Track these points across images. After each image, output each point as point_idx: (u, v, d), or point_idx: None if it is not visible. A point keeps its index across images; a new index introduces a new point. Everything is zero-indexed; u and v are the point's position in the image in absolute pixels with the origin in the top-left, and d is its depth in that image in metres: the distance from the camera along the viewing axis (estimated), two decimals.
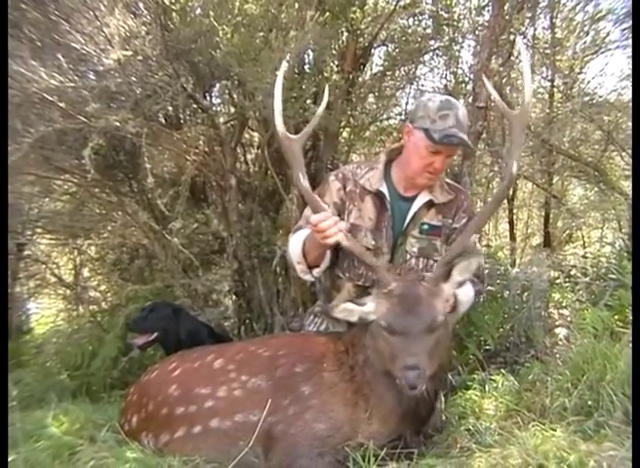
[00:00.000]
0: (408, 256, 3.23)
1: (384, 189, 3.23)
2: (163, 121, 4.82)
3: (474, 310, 3.89)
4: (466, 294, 3.02)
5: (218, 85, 4.72)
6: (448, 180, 3.44)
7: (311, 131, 2.91)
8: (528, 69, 2.63)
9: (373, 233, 3.20)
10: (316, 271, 3.21)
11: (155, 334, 4.06)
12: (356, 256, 2.81)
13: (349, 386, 2.70)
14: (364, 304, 2.68)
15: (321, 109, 2.88)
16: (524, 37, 5.51)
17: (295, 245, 3.16)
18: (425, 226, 3.23)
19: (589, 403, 2.61)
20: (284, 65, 2.91)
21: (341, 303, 2.75)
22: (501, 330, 4.01)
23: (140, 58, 4.02)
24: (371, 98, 5.79)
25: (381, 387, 2.62)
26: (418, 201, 3.23)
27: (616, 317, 3.45)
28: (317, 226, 2.70)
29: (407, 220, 3.23)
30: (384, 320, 2.54)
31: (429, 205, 3.23)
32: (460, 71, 5.61)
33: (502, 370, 3.43)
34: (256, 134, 5.45)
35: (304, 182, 2.78)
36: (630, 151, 4.69)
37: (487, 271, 3.50)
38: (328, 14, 4.60)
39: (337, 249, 3.23)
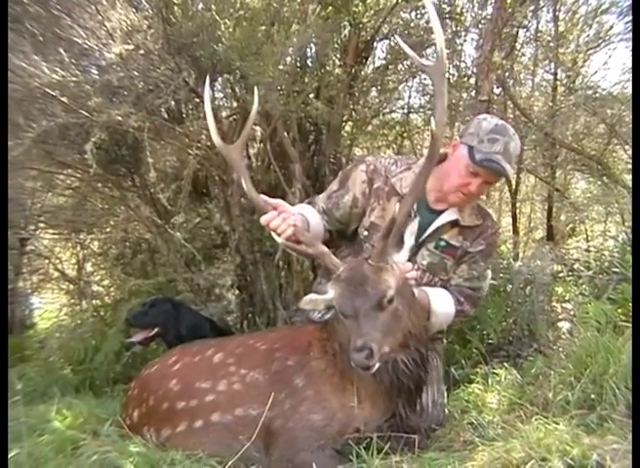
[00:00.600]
0: (415, 267, 3.00)
1: None
2: (165, 115, 4.80)
3: None
4: (442, 306, 3.04)
5: (220, 79, 4.70)
6: (481, 205, 3.33)
7: (247, 136, 2.93)
8: (435, 18, 2.50)
9: None
10: None
11: (156, 330, 4.04)
12: (304, 246, 2.72)
13: (336, 371, 2.71)
14: (326, 292, 2.65)
15: (253, 112, 2.92)
16: (527, 30, 5.51)
17: None
18: (443, 243, 3.14)
19: (592, 396, 2.62)
20: (208, 80, 2.94)
21: (306, 296, 2.76)
22: (504, 323, 4.02)
23: (141, 52, 4.00)
24: (373, 92, 5.79)
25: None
26: (443, 217, 3.12)
27: (619, 310, 3.46)
28: (268, 226, 2.73)
29: (427, 232, 3.12)
30: (336, 304, 2.54)
31: (454, 224, 3.14)
32: (462, 65, 5.60)
33: (505, 364, 3.44)
34: (258, 128, 5.44)
35: (248, 187, 2.79)
36: None
37: (484, 293, 3.38)
38: (330, 7, 4.59)
39: (340, 234, 3.23)
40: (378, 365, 2.37)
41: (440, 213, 3.13)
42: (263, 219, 2.74)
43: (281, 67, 4.20)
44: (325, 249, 2.71)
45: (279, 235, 2.70)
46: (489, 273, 3.28)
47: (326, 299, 2.63)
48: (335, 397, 2.66)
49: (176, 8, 4.20)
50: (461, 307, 3.13)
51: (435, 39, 2.54)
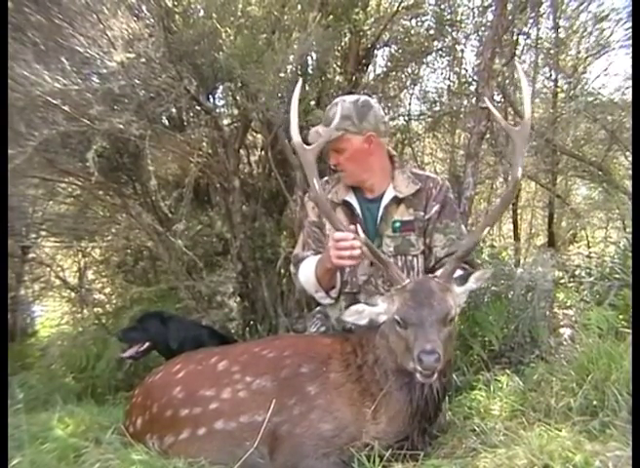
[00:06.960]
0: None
1: (350, 198, 3.33)
2: (166, 123, 4.83)
3: (478, 310, 3.89)
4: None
5: (221, 87, 4.72)
6: (415, 170, 3.49)
7: (325, 141, 2.95)
8: (527, 87, 2.65)
9: None
10: (333, 292, 3.28)
11: (147, 344, 4.04)
12: (371, 256, 2.77)
13: (356, 387, 2.69)
14: (375, 305, 2.68)
15: (334, 124, 2.95)
16: (527, 37, 5.52)
17: (308, 276, 3.22)
18: (397, 224, 3.26)
19: (594, 402, 2.61)
20: (300, 82, 2.97)
21: (352, 306, 2.75)
22: (506, 330, 4.00)
23: (143, 60, 4.02)
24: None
25: (391, 386, 2.62)
26: (384, 200, 3.28)
27: (620, 316, 3.44)
28: (338, 244, 2.76)
29: (378, 221, 3.29)
30: (398, 314, 2.53)
31: (397, 201, 3.27)
32: (463, 72, 5.61)
33: (507, 371, 3.43)
34: (259, 135, 5.46)
35: (319, 189, 2.83)
36: None
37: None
38: (330, 15, 4.60)
39: None
40: (436, 375, 2.40)
41: (380, 198, 3.30)
42: (338, 236, 2.78)
43: (282, 75, 4.22)
44: (390, 260, 2.85)
45: (341, 258, 2.78)
46: (464, 229, 3.39)
47: (374, 312, 2.67)
48: (349, 410, 2.63)
49: (177, 16, 4.23)
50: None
51: (524, 107, 2.70)
